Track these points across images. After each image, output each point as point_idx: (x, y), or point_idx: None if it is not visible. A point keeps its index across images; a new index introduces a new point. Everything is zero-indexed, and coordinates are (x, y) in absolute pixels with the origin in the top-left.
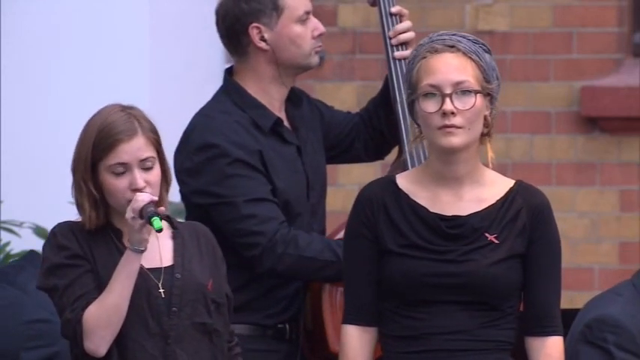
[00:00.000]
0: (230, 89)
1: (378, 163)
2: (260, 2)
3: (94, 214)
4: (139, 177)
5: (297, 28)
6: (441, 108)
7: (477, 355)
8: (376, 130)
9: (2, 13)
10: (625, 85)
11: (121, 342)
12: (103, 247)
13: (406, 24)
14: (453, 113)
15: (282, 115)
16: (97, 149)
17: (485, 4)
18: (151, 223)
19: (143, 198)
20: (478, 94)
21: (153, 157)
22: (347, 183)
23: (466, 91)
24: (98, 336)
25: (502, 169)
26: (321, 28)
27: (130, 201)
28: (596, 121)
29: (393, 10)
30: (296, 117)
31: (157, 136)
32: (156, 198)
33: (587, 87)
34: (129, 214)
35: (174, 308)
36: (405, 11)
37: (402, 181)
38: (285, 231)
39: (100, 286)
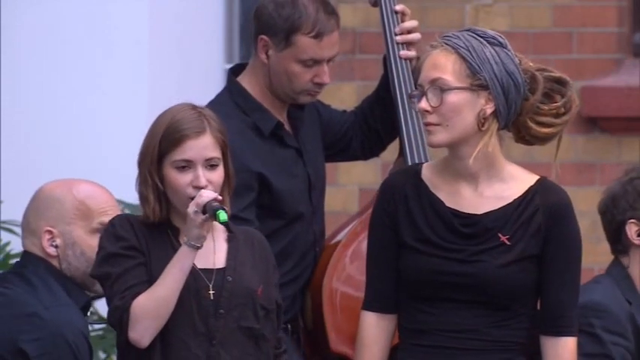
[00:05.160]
0: (233, 90)
1: (378, 163)
2: (276, 25)
3: (158, 207)
4: (202, 175)
5: (296, 68)
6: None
7: (483, 355)
8: (372, 128)
9: (2, 12)
10: (625, 85)
11: (165, 338)
12: (158, 243)
13: (413, 23)
14: (427, 111)
15: (284, 116)
16: (164, 143)
17: (485, 4)
18: (216, 216)
19: (208, 194)
20: (454, 91)
21: (218, 158)
22: (347, 183)
23: (438, 89)
24: (143, 326)
25: None
26: (325, 79)
27: (190, 198)
28: (596, 121)
29: (398, 8)
30: (297, 117)
31: (224, 138)
32: (220, 197)
33: (587, 87)
34: (191, 209)
35: (221, 310)
36: (408, 10)
37: (426, 172)
38: None
39: (151, 280)
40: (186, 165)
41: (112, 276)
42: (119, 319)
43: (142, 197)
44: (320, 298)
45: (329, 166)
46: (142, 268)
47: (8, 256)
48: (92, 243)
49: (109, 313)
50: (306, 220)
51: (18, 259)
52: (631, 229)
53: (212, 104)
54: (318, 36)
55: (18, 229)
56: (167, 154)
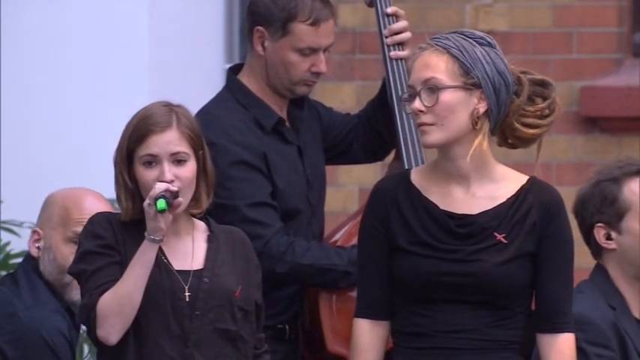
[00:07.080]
0: (233, 87)
1: (378, 164)
2: (273, 14)
3: (130, 205)
4: (168, 170)
5: (293, 57)
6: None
7: (482, 354)
8: (375, 131)
9: (2, 14)
10: (625, 85)
11: (139, 339)
12: (135, 241)
13: (401, 24)
14: (421, 111)
15: (284, 114)
16: (131, 140)
17: (486, 4)
18: (155, 205)
19: (160, 186)
20: (448, 90)
21: (185, 153)
22: (347, 183)
23: (432, 88)
24: (109, 324)
25: None
26: (322, 68)
27: None
28: (596, 121)
29: (389, 10)
30: (297, 118)
31: (194, 134)
32: (175, 188)
33: (587, 87)
34: (146, 202)
35: (197, 312)
36: (401, 12)
37: (416, 176)
38: (279, 236)
39: None
40: (152, 160)
41: (86, 273)
42: (87, 316)
43: (117, 196)
44: (317, 298)
45: (329, 167)
46: (116, 267)
47: (8, 256)
48: (65, 251)
49: (78, 310)
50: (304, 220)
51: (18, 260)
52: (599, 233)
53: (212, 102)
54: (315, 23)
55: (18, 229)
56: (135, 150)
